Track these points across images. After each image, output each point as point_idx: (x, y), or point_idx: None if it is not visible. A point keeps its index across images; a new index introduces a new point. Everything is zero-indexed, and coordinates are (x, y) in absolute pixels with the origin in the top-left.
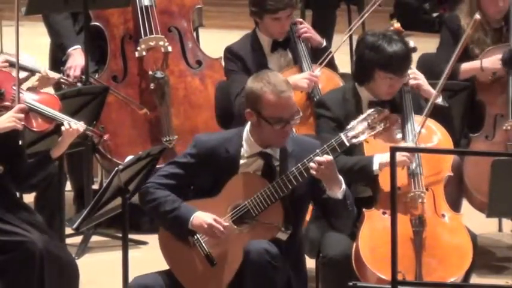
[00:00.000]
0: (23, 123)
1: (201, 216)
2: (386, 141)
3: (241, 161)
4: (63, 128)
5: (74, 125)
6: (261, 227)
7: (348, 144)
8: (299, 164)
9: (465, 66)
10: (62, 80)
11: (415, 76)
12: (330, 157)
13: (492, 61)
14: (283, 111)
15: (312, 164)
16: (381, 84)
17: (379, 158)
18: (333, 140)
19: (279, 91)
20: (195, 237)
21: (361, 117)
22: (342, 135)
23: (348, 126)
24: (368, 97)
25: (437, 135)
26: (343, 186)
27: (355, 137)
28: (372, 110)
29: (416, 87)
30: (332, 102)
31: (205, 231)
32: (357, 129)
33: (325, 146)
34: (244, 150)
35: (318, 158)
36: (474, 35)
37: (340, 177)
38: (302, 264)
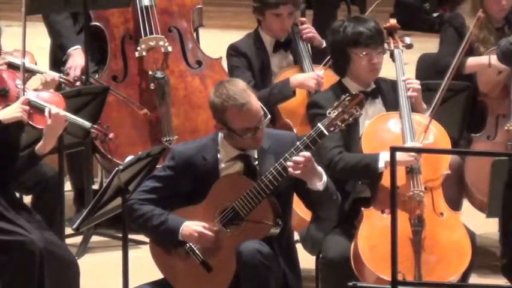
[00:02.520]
0: (27, 120)
1: (190, 226)
2: (385, 139)
3: (221, 166)
4: (45, 112)
5: (54, 112)
6: (252, 227)
7: (327, 133)
8: (281, 160)
9: (472, 60)
10: (61, 80)
11: (414, 87)
12: (307, 154)
13: None
14: (249, 122)
15: (289, 163)
16: (359, 64)
17: (385, 156)
18: (312, 131)
19: (240, 104)
20: (187, 245)
21: (336, 103)
22: (320, 125)
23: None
24: (356, 88)
25: (434, 132)
26: (324, 178)
27: (332, 125)
28: (346, 95)
29: (413, 98)
30: (324, 100)
31: (196, 239)
32: (333, 116)
33: (304, 138)
34: (222, 155)
35: (295, 158)
36: (479, 34)
37: (320, 169)
38: (295, 258)
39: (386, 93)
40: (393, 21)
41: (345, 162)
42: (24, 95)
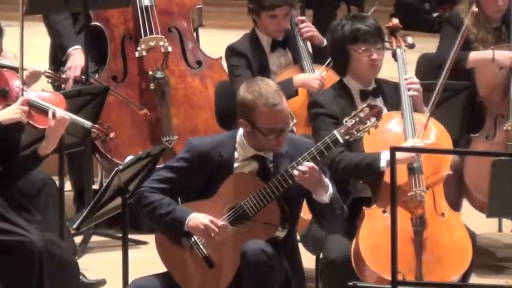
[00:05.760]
0: (27, 120)
1: (197, 217)
2: (387, 138)
3: (236, 164)
4: (49, 115)
5: (58, 115)
6: (258, 227)
7: (341, 140)
8: (293, 163)
9: (475, 55)
10: (47, 74)
11: (416, 88)
12: (311, 164)
13: (505, 56)
14: (277, 123)
15: (295, 172)
16: (359, 60)
17: (387, 155)
18: (327, 138)
19: (272, 104)
20: (192, 239)
21: (353, 113)
22: (336, 132)
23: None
24: (357, 87)
25: (435, 132)
26: (330, 190)
27: (348, 133)
28: (364, 105)
29: (415, 98)
30: (325, 99)
31: (202, 232)
32: (349, 125)
33: (319, 144)
34: (238, 154)
35: (300, 167)
36: (478, 34)
37: (328, 181)
38: (298, 260)
39: (387, 94)
40: (396, 21)
41: (346, 161)
42: (23, 95)
